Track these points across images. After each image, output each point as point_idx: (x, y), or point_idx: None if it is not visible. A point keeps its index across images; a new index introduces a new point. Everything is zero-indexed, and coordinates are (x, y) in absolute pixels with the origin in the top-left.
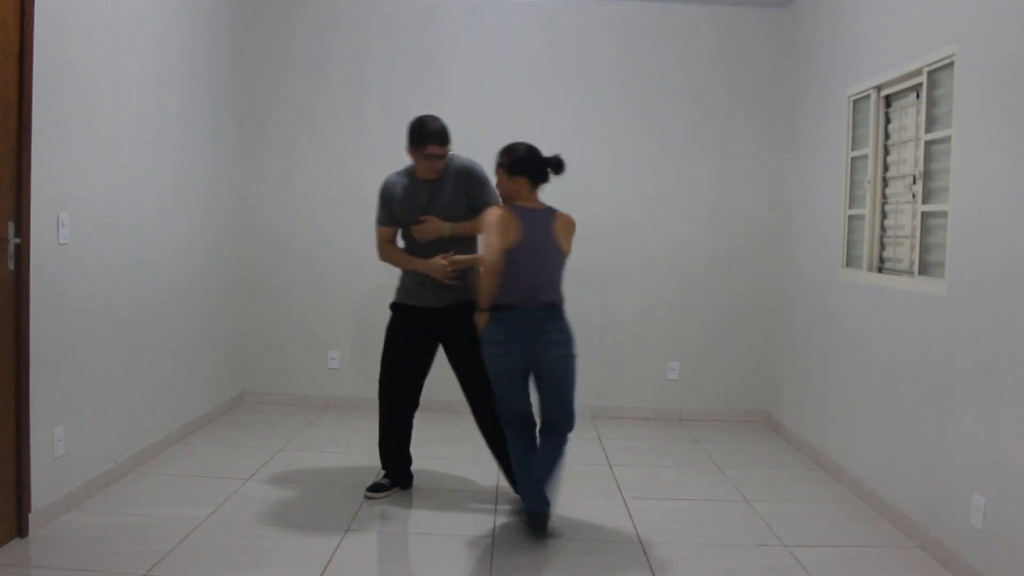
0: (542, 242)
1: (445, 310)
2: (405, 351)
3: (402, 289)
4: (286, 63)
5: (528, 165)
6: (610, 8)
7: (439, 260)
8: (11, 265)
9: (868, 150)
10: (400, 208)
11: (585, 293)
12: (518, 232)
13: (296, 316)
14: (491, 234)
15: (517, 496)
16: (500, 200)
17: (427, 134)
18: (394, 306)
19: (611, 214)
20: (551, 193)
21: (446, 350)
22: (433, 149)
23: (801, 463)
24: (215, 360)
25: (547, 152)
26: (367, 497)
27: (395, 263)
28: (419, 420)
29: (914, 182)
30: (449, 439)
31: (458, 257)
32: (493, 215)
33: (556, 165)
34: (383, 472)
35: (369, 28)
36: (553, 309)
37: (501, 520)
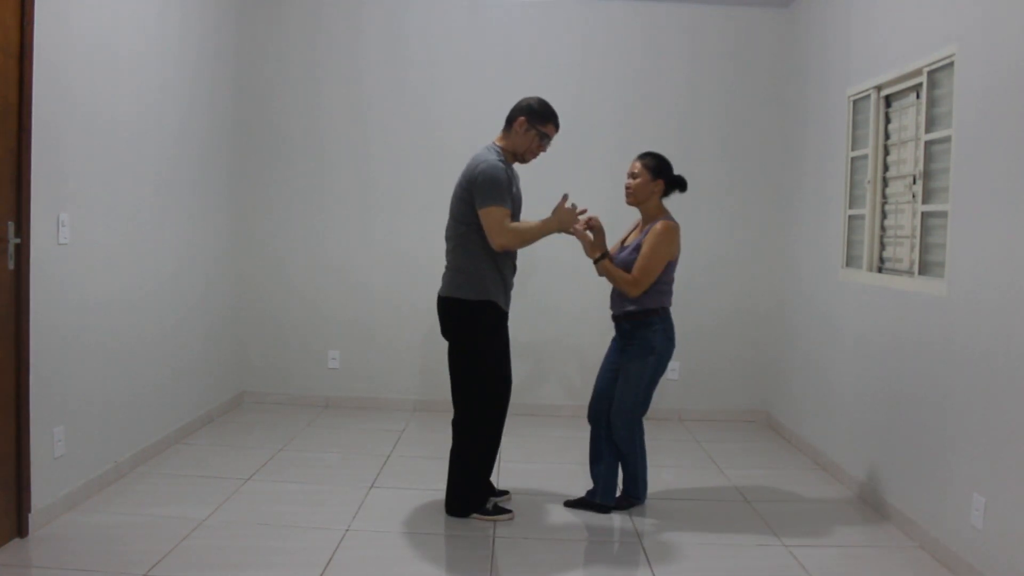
0: None
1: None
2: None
3: (498, 287)
4: (287, 61)
5: (671, 174)
6: (610, 8)
7: (571, 210)
8: (11, 265)
9: (868, 150)
10: (517, 202)
11: (585, 293)
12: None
13: (296, 316)
14: (672, 245)
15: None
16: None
17: (554, 115)
18: (495, 306)
19: (612, 213)
20: (550, 191)
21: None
22: (552, 131)
23: (801, 463)
24: (215, 360)
25: (544, 153)
26: (496, 518)
27: (527, 236)
28: (420, 420)
29: (914, 182)
30: (446, 439)
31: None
32: (672, 228)
33: (684, 184)
34: (491, 498)
35: (366, 29)
36: None
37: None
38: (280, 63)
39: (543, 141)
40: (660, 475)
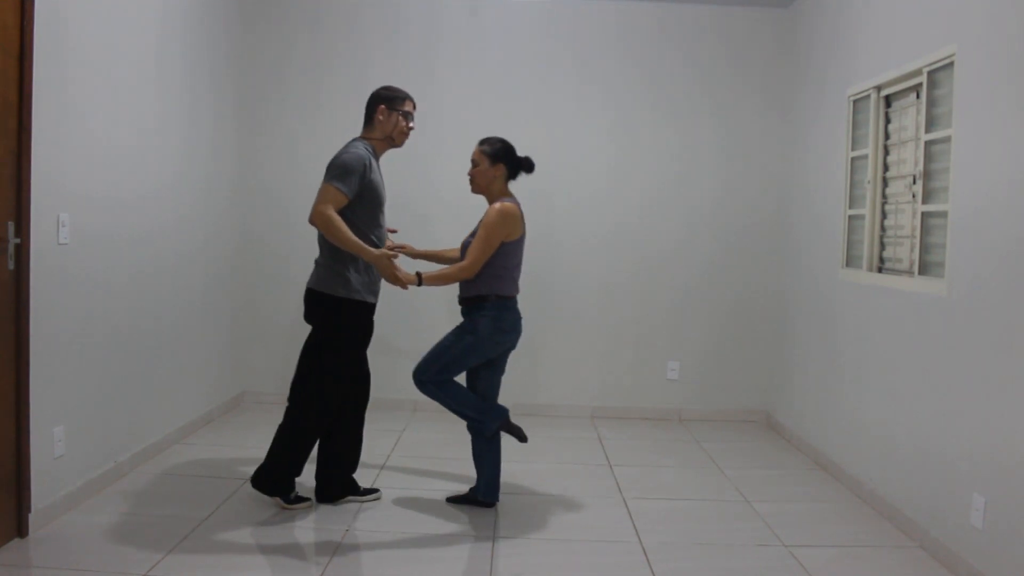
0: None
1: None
2: (363, 357)
3: (364, 284)
4: (287, 58)
5: (512, 157)
6: (610, 8)
7: (387, 254)
8: (11, 265)
9: (868, 150)
10: (378, 187)
11: (585, 293)
12: (523, 226)
13: (296, 316)
14: (504, 227)
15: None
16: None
17: (406, 93)
18: (361, 305)
19: (611, 213)
20: (565, 194)
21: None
22: (411, 106)
23: (801, 463)
24: (215, 360)
25: (545, 154)
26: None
27: (338, 235)
28: (420, 420)
29: (914, 182)
30: (447, 439)
31: (405, 274)
32: (507, 209)
33: (529, 165)
34: (290, 487)
35: (371, 11)
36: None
37: (502, 520)
38: (281, 61)
39: (408, 119)
40: (660, 475)
